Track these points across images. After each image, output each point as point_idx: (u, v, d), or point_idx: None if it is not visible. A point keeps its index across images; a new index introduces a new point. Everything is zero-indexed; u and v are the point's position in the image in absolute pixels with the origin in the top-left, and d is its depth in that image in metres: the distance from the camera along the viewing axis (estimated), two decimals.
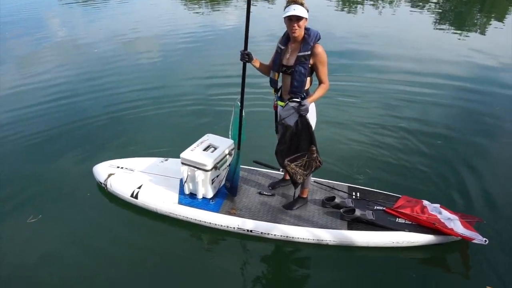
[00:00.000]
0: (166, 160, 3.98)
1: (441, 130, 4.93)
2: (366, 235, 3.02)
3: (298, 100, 2.78)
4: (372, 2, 12.99)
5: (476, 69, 6.99)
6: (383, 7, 12.11)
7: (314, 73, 2.82)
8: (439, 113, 5.40)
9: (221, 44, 8.50)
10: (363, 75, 6.61)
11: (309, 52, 2.69)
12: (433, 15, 10.89)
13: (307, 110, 2.73)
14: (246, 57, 2.84)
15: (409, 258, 3.02)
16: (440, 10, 11.58)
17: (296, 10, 2.58)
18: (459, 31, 9.23)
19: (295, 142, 2.88)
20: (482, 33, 9.23)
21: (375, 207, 3.25)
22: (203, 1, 12.35)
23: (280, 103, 2.98)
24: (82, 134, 4.90)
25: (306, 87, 2.84)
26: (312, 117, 2.92)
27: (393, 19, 10.42)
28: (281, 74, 2.90)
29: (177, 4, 12.63)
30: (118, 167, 3.85)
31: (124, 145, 4.64)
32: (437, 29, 9.46)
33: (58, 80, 6.63)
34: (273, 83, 2.97)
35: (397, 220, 3.11)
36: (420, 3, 12.52)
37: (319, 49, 2.70)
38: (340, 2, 13.51)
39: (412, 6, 12.05)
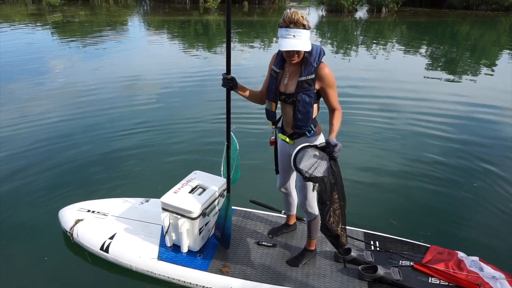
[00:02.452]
0: (147, 201, 3.36)
1: (475, 169, 4.48)
2: None
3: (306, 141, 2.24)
4: (365, 47, 13.00)
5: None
6: (376, 52, 12.08)
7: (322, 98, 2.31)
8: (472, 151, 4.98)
9: (217, 84, 8.10)
10: (372, 115, 6.22)
11: (313, 76, 2.18)
12: (426, 60, 10.89)
13: (340, 150, 2.10)
14: (229, 82, 2.30)
15: None
16: (432, 55, 11.65)
17: (296, 40, 2.03)
18: (451, 75, 9.12)
19: (335, 192, 2.18)
20: (474, 76, 9.13)
21: (401, 261, 2.67)
22: (200, 45, 12.12)
23: (282, 136, 2.45)
24: (58, 174, 4.26)
25: (313, 116, 2.32)
26: None
27: (387, 63, 10.28)
28: (279, 103, 2.39)
29: (175, 48, 12.39)
30: (89, 210, 3.20)
31: (103, 184, 4.04)
32: (430, 72, 9.32)
33: (42, 121, 5.94)
34: (270, 115, 2.44)
35: (430, 280, 2.52)
36: (412, 49, 12.62)
37: (326, 70, 2.18)
38: (335, 47, 13.51)
39: (404, 52, 12.10)
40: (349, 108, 6.26)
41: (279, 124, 2.52)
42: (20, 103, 6.68)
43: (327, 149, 2.08)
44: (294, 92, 2.23)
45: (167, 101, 6.79)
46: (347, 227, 2.98)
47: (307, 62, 2.18)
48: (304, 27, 2.04)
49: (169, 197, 2.71)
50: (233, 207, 3.26)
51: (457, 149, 4.95)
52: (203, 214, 2.72)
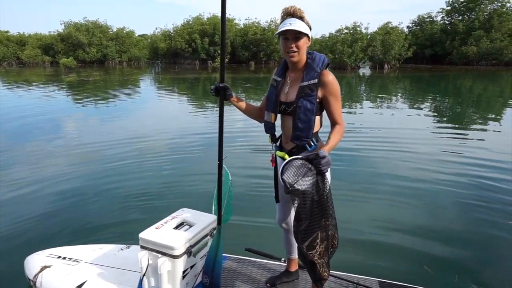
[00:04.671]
0: (128, 247, 2.95)
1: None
2: None
3: (302, 155, 1.92)
4: (371, 104, 12.94)
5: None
6: (380, 106, 11.95)
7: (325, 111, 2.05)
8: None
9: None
10: (380, 166, 5.88)
11: (315, 81, 1.96)
12: (432, 113, 10.63)
13: (329, 164, 1.82)
14: (213, 92, 2.14)
15: None
16: (437, 109, 11.45)
17: (293, 24, 1.91)
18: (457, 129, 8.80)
19: (317, 215, 1.90)
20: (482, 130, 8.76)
21: None
22: (209, 106, 12.22)
23: (280, 153, 2.14)
24: (33, 220, 3.91)
25: (315, 130, 2.04)
26: (327, 174, 2.06)
27: (393, 117, 10.00)
28: (279, 115, 2.14)
29: (184, 105, 12.49)
30: (59, 257, 2.80)
31: (83, 231, 3.65)
32: (436, 127, 9.03)
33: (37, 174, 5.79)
34: (269, 127, 2.18)
35: None
36: (417, 104, 12.50)
37: (329, 76, 1.97)
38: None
39: (409, 107, 11.96)
40: (360, 160, 5.97)
41: (278, 142, 2.23)
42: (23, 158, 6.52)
43: (314, 161, 1.80)
44: (294, 99, 2.00)
45: (164, 161, 6.38)
46: (358, 275, 2.58)
47: (310, 67, 2.00)
48: (301, 19, 1.95)
49: (149, 233, 2.33)
50: (225, 255, 2.84)
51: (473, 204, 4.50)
52: (188, 253, 2.31)
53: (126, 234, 3.49)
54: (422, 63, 36.25)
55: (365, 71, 28.02)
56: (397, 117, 9.94)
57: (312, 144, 2.03)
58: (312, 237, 1.92)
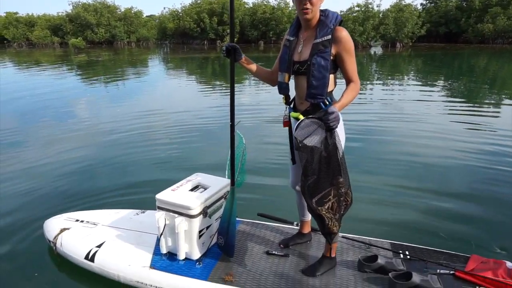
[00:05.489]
0: (143, 212, 3.02)
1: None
2: None
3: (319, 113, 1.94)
4: (381, 82, 12.64)
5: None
6: (392, 86, 11.57)
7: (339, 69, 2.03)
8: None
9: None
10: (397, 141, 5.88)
11: (329, 37, 1.93)
12: (444, 93, 10.29)
13: (337, 120, 1.85)
14: (224, 53, 2.13)
15: None
16: (450, 88, 11.06)
17: None
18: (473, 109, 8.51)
19: (326, 170, 1.95)
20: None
21: (438, 270, 2.20)
22: (218, 84, 12.10)
23: (294, 114, 2.13)
24: (52, 187, 4.01)
25: (330, 89, 2.03)
26: (341, 133, 2.06)
27: (405, 96, 9.66)
28: (293, 76, 2.12)
29: (193, 85, 12.32)
30: (77, 220, 2.88)
31: (97, 198, 3.72)
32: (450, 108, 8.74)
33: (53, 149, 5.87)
34: (283, 88, 2.16)
35: None
36: (430, 82, 12.15)
37: (343, 32, 1.94)
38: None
39: (422, 86, 11.61)
40: (373, 132, 5.92)
41: (292, 104, 2.22)
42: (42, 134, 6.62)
43: (323, 117, 1.84)
44: (308, 57, 1.98)
45: (177, 132, 6.37)
46: (370, 237, 2.60)
47: (323, 24, 1.97)
48: None
49: (166, 194, 2.38)
50: (238, 219, 2.89)
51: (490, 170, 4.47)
52: (204, 213, 2.35)
53: (141, 201, 3.56)
54: (436, 42, 35.32)
55: (377, 50, 27.47)
56: (408, 95, 9.77)
57: (327, 102, 2.02)
58: (323, 193, 1.96)
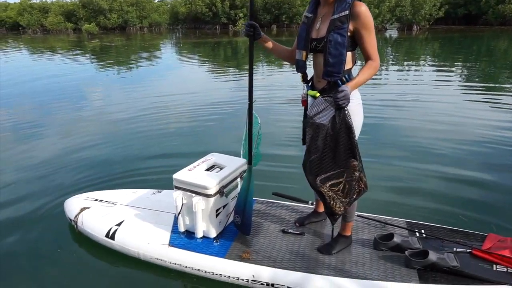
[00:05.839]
0: (160, 192, 3.07)
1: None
2: None
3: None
4: (396, 66, 12.33)
5: None
6: (408, 70, 11.25)
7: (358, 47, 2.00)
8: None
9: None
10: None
11: (346, 12, 1.88)
12: (462, 77, 9.95)
13: (347, 98, 1.84)
14: (250, 29, 2.11)
15: None
16: (467, 72, 10.69)
17: None
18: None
19: (332, 149, 1.96)
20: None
21: (455, 248, 2.20)
22: (229, 66, 12.02)
23: (311, 92, 2.12)
24: (70, 169, 4.10)
25: (348, 67, 2.00)
26: (356, 114, 2.04)
27: (420, 82, 9.39)
28: (311, 54, 2.10)
29: (205, 69, 12.25)
30: (96, 199, 2.95)
31: (115, 179, 3.79)
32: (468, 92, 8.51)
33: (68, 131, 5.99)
34: (300, 66, 2.14)
35: (495, 268, 2.05)
36: (446, 67, 11.79)
37: (362, 7, 1.88)
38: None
39: (438, 69, 11.30)
40: (389, 116, 5.85)
41: (310, 83, 2.21)
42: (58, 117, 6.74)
43: (333, 94, 1.86)
44: (325, 34, 1.94)
45: (190, 114, 6.42)
46: (386, 216, 2.61)
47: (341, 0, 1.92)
48: None
49: (183, 174, 2.41)
50: (254, 198, 2.92)
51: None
52: (221, 193, 2.39)
53: (157, 180, 3.63)
54: (454, 24, 34.25)
55: (392, 33, 26.82)
56: (425, 78, 9.55)
57: (345, 80, 1.99)
58: (332, 173, 1.98)
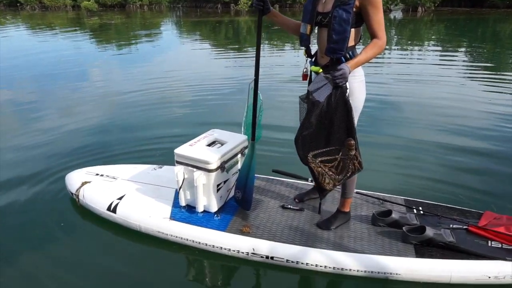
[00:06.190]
0: (160, 167, 3.10)
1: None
2: (445, 266, 1.99)
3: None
4: (401, 49, 12.12)
5: None
6: (411, 53, 11.09)
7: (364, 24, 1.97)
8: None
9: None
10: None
11: None
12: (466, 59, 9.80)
13: (344, 77, 1.84)
14: (260, 3, 2.09)
15: None
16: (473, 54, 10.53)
17: None
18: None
19: (326, 127, 1.96)
20: None
21: (452, 225, 2.24)
22: (230, 46, 11.85)
23: (314, 68, 2.10)
24: (70, 143, 4.12)
25: (351, 43, 1.97)
26: (358, 92, 2.04)
27: (424, 64, 9.24)
28: (316, 28, 2.07)
29: (206, 49, 12.09)
30: (97, 174, 2.98)
31: (115, 154, 3.81)
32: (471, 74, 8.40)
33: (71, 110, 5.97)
34: (304, 40, 2.12)
35: (490, 244, 2.09)
36: (451, 49, 11.60)
37: None
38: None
39: (443, 51, 11.13)
40: (390, 96, 5.81)
41: (314, 58, 2.19)
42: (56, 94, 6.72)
43: (331, 73, 1.87)
44: (331, 9, 1.91)
45: (191, 92, 6.43)
46: (384, 194, 2.63)
47: None
48: None
49: (184, 149, 2.42)
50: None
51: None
52: (222, 168, 2.41)
53: (157, 156, 3.66)
54: (460, 6, 33.64)
55: (397, 14, 26.33)
56: (428, 59, 9.46)
57: (348, 57, 1.97)
58: (326, 150, 1.99)
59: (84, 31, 17.38)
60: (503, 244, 2.07)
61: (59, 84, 6.94)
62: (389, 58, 9.62)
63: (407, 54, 10.46)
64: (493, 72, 7.79)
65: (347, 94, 1.91)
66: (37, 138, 4.27)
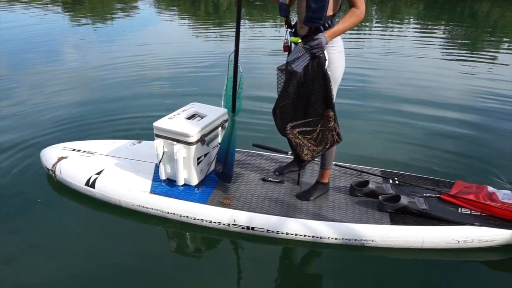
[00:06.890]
0: (139, 142, 3.06)
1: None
2: (418, 232, 2.09)
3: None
4: (379, 25, 12.10)
5: None
6: (392, 30, 11.10)
7: None
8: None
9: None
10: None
11: None
12: (443, 40, 9.89)
13: (320, 47, 1.85)
14: None
15: (481, 263, 2.10)
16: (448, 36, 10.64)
17: None
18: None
19: (303, 98, 1.98)
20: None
21: (425, 194, 2.33)
22: (211, 22, 11.55)
23: (294, 39, 2.09)
24: (44, 119, 4.00)
25: (330, 13, 1.96)
26: (337, 62, 2.04)
27: (403, 44, 9.43)
28: None
29: (185, 25, 11.78)
30: (74, 149, 2.92)
31: (92, 129, 3.74)
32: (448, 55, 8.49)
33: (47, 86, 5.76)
34: (283, 9, 2.09)
35: (460, 210, 2.20)
36: (429, 28, 11.66)
37: None
38: None
39: (420, 31, 11.19)
40: (369, 76, 5.86)
41: (294, 29, 2.17)
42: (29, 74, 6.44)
43: (307, 43, 1.88)
44: None
45: (168, 66, 6.28)
46: (362, 166, 2.70)
47: None
48: None
49: (163, 122, 2.40)
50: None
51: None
52: (202, 141, 2.40)
53: (135, 131, 3.61)
54: None
55: None
56: (407, 38, 9.54)
57: (327, 26, 1.97)
58: (305, 121, 2.00)
59: (55, 5, 16.56)
60: (472, 211, 2.18)
61: (29, 59, 6.62)
62: (370, 34, 9.64)
63: (387, 30, 10.52)
64: (468, 49, 7.95)
65: (325, 65, 1.92)
66: (7, 114, 4.11)
